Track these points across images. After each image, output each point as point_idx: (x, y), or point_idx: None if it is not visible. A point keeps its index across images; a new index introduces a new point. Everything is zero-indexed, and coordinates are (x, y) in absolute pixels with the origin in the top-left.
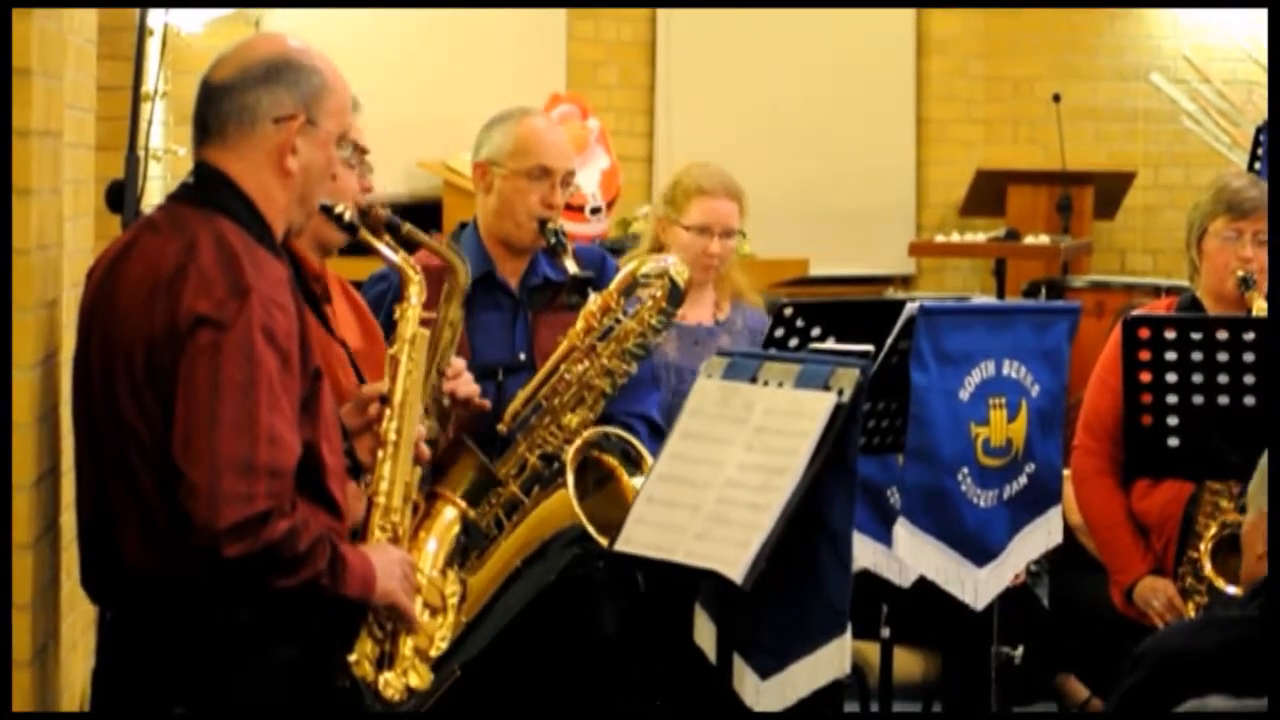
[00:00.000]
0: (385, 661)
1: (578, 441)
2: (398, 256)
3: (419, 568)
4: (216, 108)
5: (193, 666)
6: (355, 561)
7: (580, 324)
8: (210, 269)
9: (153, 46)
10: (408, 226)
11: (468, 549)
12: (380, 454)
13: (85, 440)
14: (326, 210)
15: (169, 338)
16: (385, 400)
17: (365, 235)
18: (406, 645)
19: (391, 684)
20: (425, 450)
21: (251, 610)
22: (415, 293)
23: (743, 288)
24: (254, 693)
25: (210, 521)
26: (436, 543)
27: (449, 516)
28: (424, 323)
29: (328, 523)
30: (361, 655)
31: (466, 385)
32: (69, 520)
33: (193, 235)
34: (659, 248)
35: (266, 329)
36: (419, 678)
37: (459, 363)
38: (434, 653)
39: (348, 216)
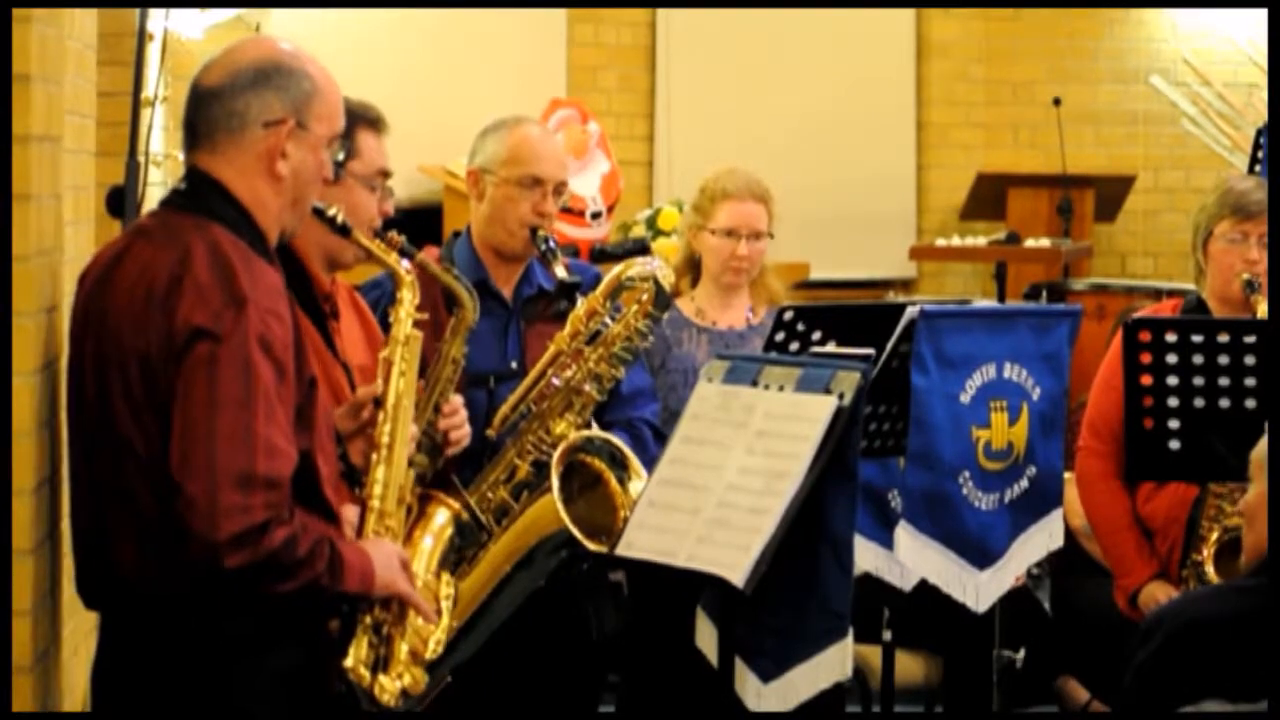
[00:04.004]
0: (380, 665)
1: (561, 446)
2: (390, 259)
3: (415, 571)
4: (206, 113)
5: (189, 674)
6: (353, 557)
7: (567, 328)
8: (206, 280)
9: (153, 52)
10: (421, 255)
11: (461, 550)
12: (374, 457)
13: (80, 451)
14: (319, 213)
15: (165, 352)
16: (378, 403)
17: (358, 237)
18: (401, 649)
19: (386, 688)
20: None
21: (247, 619)
22: (408, 295)
23: (778, 293)
24: (250, 700)
25: (210, 534)
26: (431, 544)
27: (441, 519)
28: (417, 324)
29: (324, 529)
30: (356, 659)
31: (459, 430)
32: (70, 526)
33: (187, 245)
34: (691, 255)
35: (263, 339)
36: (413, 680)
37: (456, 400)
38: (429, 656)
39: (340, 219)
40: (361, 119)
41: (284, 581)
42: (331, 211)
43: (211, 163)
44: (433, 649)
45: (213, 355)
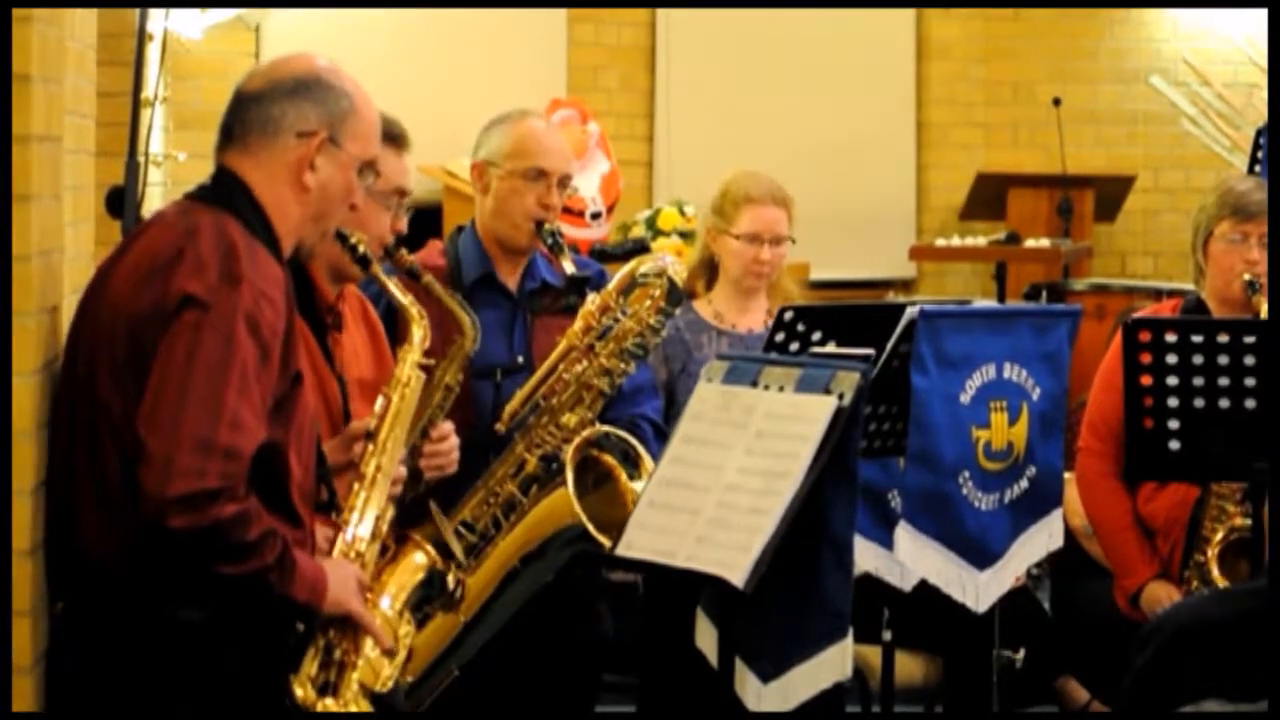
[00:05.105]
0: (329, 689)
1: (577, 440)
2: (406, 300)
3: (376, 604)
4: (243, 115)
5: (145, 665)
6: (306, 565)
7: (579, 323)
8: (207, 254)
9: (153, 52)
10: (428, 277)
11: (429, 599)
12: (355, 486)
13: (62, 421)
14: (342, 239)
15: (155, 315)
16: (370, 436)
17: (377, 271)
18: (352, 679)
19: (331, 709)
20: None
21: (201, 609)
22: (419, 336)
23: (792, 294)
24: (207, 693)
25: (160, 491)
26: (398, 585)
27: (418, 561)
28: (423, 367)
29: (285, 532)
30: (304, 676)
31: (445, 457)
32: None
33: (195, 223)
34: (710, 257)
35: (251, 318)
36: (359, 712)
37: (446, 426)
38: (380, 688)
39: (361, 249)
40: (384, 135)
41: (230, 562)
42: (354, 240)
43: (240, 163)
44: (383, 683)
45: (198, 322)
